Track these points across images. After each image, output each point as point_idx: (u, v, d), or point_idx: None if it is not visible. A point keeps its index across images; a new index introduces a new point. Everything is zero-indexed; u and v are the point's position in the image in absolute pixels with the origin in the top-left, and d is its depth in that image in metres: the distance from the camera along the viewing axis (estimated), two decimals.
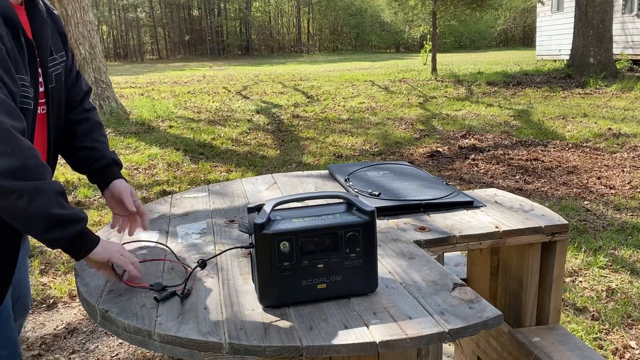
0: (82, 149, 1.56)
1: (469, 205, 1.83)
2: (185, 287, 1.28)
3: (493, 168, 5.67)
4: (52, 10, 1.51)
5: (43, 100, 1.42)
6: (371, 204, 1.75)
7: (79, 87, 1.61)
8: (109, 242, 1.30)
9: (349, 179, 2.07)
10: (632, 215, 4.16)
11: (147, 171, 5.98)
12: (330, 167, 2.29)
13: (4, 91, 1.18)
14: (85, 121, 1.59)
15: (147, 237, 1.65)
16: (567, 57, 13.56)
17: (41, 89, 1.40)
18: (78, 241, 1.23)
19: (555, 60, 16.92)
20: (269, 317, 1.16)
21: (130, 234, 1.56)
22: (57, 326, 2.90)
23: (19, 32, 1.29)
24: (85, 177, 5.29)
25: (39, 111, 1.40)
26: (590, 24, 12.10)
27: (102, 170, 1.56)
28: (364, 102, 10.56)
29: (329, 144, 7.13)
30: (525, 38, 38.01)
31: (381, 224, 1.69)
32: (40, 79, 1.40)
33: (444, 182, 2.03)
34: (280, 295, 1.19)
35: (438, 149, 6.58)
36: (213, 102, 11.24)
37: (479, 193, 2.01)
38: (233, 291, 1.28)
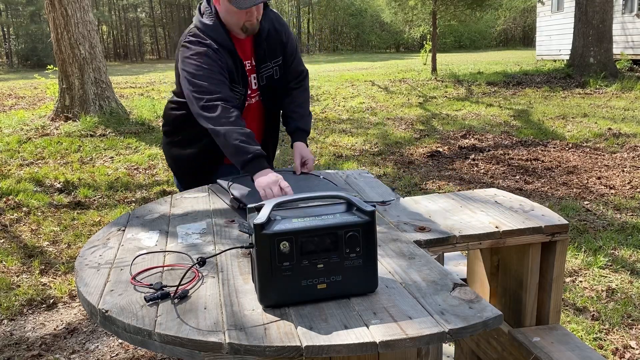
0: (285, 116, 2.29)
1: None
2: (178, 288, 1.28)
3: (493, 168, 5.67)
4: (275, 26, 2.18)
5: (256, 94, 2.19)
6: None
7: (293, 69, 2.28)
8: (268, 176, 1.82)
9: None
10: (632, 215, 4.16)
11: (147, 171, 5.98)
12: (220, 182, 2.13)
13: (227, 88, 2.02)
14: (290, 95, 2.29)
15: (147, 236, 1.65)
16: (567, 57, 13.56)
17: (254, 87, 2.18)
18: (249, 165, 1.87)
19: (555, 60, 16.92)
20: (269, 317, 1.16)
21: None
22: (57, 326, 2.90)
23: (235, 57, 2.08)
24: (85, 178, 5.51)
25: (251, 102, 2.19)
26: (590, 24, 12.10)
27: (290, 134, 2.26)
28: (363, 102, 10.56)
29: (329, 144, 7.13)
30: (525, 38, 38.00)
31: (381, 223, 1.69)
32: (254, 81, 2.17)
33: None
34: (280, 295, 1.19)
35: (438, 149, 6.58)
36: None
37: (479, 193, 2.01)
38: (233, 291, 1.28)
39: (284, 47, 2.22)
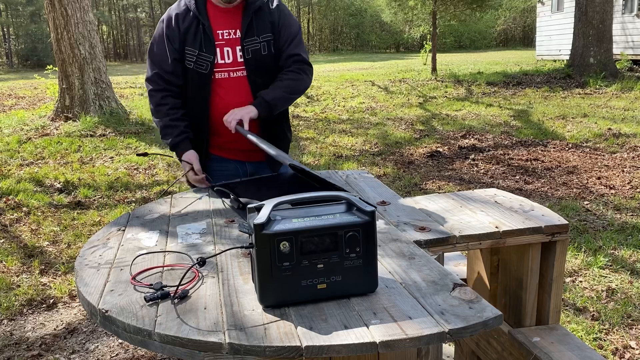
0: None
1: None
2: (178, 288, 1.28)
3: (493, 168, 5.67)
4: (270, 6, 2.19)
5: (241, 67, 2.17)
6: None
7: (289, 54, 2.21)
8: (187, 157, 2.17)
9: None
10: (632, 215, 4.16)
11: (147, 171, 5.98)
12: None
13: (159, 68, 2.20)
14: (281, 73, 2.22)
15: (147, 236, 1.65)
16: (567, 57, 13.55)
17: (227, 60, 2.15)
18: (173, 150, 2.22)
19: (555, 60, 16.92)
20: (269, 317, 1.16)
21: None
22: (57, 326, 2.90)
23: (199, 23, 2.12)
24: (85, 178, 5.53)
25: (235, 75, 2.17)
26: (590, 24, 12.10)
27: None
28: (363, 102, 10.56)
29: (329, 144, 7.13)
30: (525, 38, 37.98)
31: (381, 223, 1.69)
32: (240, 53, 2.15)
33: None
34: (280, 295, 1.19)
35: (438, 149, 6.58)
36: None
37: (479, 193, 2.01)
38: (233, 291, 1.28)
39: (275, 27, 2.18)
